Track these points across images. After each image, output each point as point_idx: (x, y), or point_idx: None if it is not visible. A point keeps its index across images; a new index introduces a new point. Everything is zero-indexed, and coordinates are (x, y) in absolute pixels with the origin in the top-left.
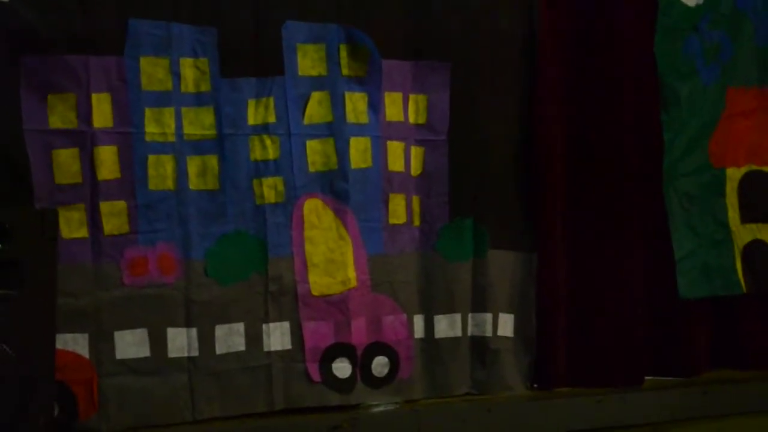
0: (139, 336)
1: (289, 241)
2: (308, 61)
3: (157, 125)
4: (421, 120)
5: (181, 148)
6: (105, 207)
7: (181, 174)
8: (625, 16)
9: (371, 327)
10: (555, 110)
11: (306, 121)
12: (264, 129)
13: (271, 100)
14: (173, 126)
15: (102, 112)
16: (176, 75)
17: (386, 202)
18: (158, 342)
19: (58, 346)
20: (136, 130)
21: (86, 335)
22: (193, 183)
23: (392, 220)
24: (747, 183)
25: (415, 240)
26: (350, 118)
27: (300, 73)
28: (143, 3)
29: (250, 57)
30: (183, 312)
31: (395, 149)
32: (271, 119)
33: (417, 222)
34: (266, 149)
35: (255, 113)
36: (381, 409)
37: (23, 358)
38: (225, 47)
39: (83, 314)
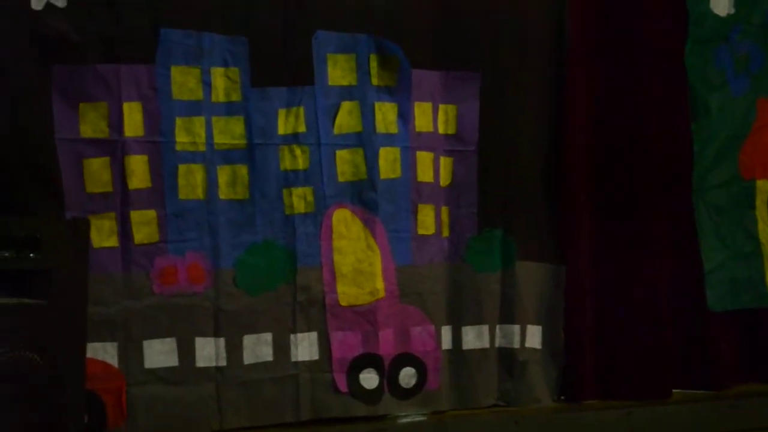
0: (167, 345)
1: (318, 252)
2: (338, 71)
3: (187, 134)
4: (451, 130)
5: (212, 157)
6: (135, 216)
7: (211, 183)
8: (655, 26)
9: (399, 338)
10: (584, 121)
11: (336, 131)
12: (294, 139)
13: (302, 110)
14: (204, 135)
15: (133, 121)
16: (207, 84)
17: (415, 213)
18: (187, 351)
19: (88, 354)
20: (167, 139)
21: (116, 344)
22: (223, 192)
23: (421, 231)
24: None
25: (444, 251)
26: (380, 128)
27: (330, 83)
28: (174, 12)
29: (280, 67)
30: (211, 322)
31: (424, 159)
32: (301, 129)
33: (446, 233)
34: (296, 159)
35: (285, 123)
36: (408, 420)
37: (54, 367)
38: (256, 57)
39: (113, 323)
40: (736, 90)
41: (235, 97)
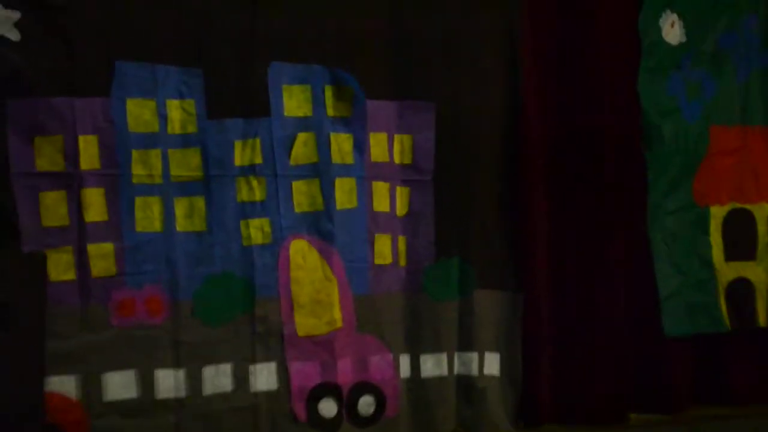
0: (127, 377)
1: (276, 282)
2: (294, 102)
3: (143, 167)
4: (407, 160)
5: (168, 189)
6: (93, 249)
7: (168, 215)
8: (609, 55)
9: (357, 367)
10: (539, 151)
11: (292, 162)
12: (251, 170)
13: (258, 141)
14: (160, 167)
15: (89, 154)
16: (163, 116)
17: (372, 243)
18: (146, 383)
19: (48, 388)
20: (123, 171)
21: (74, 377)
22: (181, 224)
23: (378, 261)
24: (730, 221)
25: (401, 280)
26: (336, 158)
27: (286, 114)
28: (128, 45)
29: (236, 98)
30: (171, 353)
31: (380, 189)
32: (258, 160)
33: (403, 262)
34: (253, 190)
35: (242, 154)
36: None
37: (11, 401)
38: (211, 88)
39: (71, 356)
40: (689, 117)
41: (191, 128)
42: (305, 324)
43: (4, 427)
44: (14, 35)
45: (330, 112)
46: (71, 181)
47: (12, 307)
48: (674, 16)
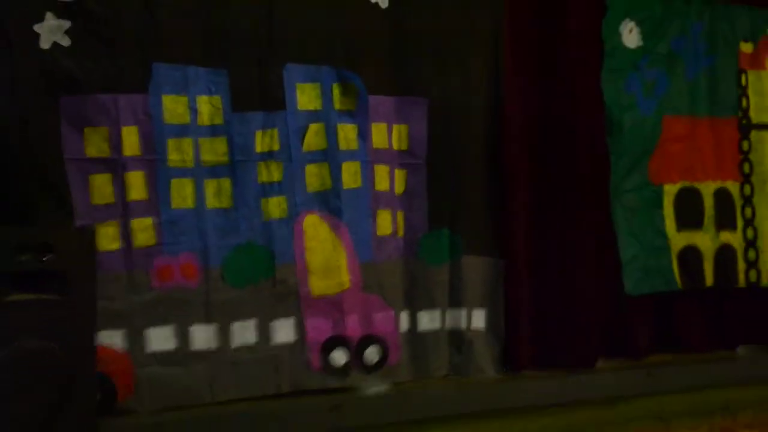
0: (166, 332)
1: (293, 251)
2: (306, 98)
3: (178, 153)
4: (404, 146)
5: (199, 172)
6: (135, 223)
7: (199, 194)
8: (578, 57)
9: (363, 322)
10: (519, 137)
11: (305, 148)
12: (269, 156)
13: (276, 131)
14: (192, 153)
15: (131, 142)
16: (194, 110)
17: (374, 217)
18: (183, 337)
19: (99, 342)
20: (160, 157)
21: (121, 332)
22: (210, 202)
23: (380, 232)
24: (681, 197)
25: (400, 248)
26: (342, 145)
27: (299, 108)
28: (164, 49)
29: (256, 94)
30: (203, 311)
31: (381, 171)
32: (276, 147)
33: (401, 233)
34: (271, 173)
35: (262, 142)
36: (373, 390)
37: (69, 354)
38: (235, 86)
39: (119, 315)
40: (645, 110)
41: (218, 120)
42: (318, 285)
43: (64, 377)
44: (65, 41)
45: (337, 106)
46: (116, 166)
47: (68, 274)
48: (632, 24)
